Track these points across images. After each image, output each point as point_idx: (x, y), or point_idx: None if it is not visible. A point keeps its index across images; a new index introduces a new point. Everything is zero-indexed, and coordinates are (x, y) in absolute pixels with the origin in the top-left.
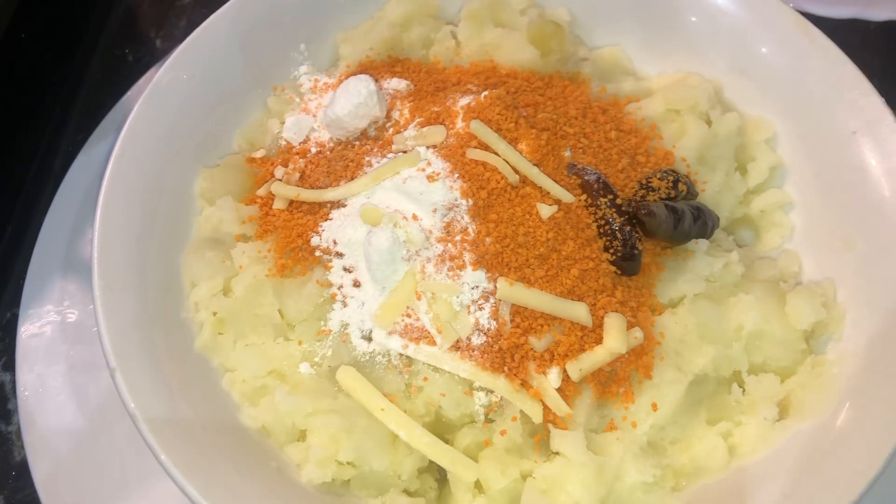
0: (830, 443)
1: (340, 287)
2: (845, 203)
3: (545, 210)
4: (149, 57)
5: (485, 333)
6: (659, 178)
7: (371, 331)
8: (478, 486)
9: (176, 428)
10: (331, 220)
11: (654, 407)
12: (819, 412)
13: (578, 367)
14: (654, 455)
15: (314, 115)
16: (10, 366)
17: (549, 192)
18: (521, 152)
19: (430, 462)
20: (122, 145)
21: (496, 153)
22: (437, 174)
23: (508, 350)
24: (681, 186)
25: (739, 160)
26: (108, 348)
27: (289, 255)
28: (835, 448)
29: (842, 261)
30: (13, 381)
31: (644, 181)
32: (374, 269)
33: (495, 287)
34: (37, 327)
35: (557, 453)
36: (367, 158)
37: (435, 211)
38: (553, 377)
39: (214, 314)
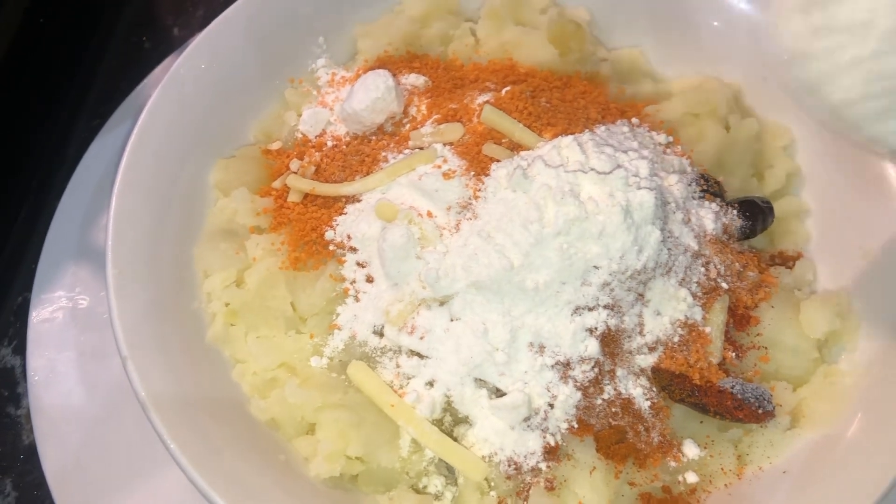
0: (842, 453)
1: (353, 282)
2: (863, 212)
3: None
4: (165, 45)
5: None
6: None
7: (383, 326)
8: (486, 484)
9: (185, 418)
10: (345, 214)
11: (666, 413)
12: (831, 422)
13: None
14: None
15: (331, 109)
16: (20, 350)
17: None
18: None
19: (440, 459)
20: (139, 134)
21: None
22: (453, 171)
23: None
24: (714, 186)
25: (757, 166)
26: (120, 336)
27: (302, 249)
28: (846, 459)
29: (858, 270)
30: (23, 366)
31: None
32: (387, 265)
33: None
34: (48, 312)
35: (567, 455)
36: (384, 154)
37: (449, 209)
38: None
39: (227, 305)
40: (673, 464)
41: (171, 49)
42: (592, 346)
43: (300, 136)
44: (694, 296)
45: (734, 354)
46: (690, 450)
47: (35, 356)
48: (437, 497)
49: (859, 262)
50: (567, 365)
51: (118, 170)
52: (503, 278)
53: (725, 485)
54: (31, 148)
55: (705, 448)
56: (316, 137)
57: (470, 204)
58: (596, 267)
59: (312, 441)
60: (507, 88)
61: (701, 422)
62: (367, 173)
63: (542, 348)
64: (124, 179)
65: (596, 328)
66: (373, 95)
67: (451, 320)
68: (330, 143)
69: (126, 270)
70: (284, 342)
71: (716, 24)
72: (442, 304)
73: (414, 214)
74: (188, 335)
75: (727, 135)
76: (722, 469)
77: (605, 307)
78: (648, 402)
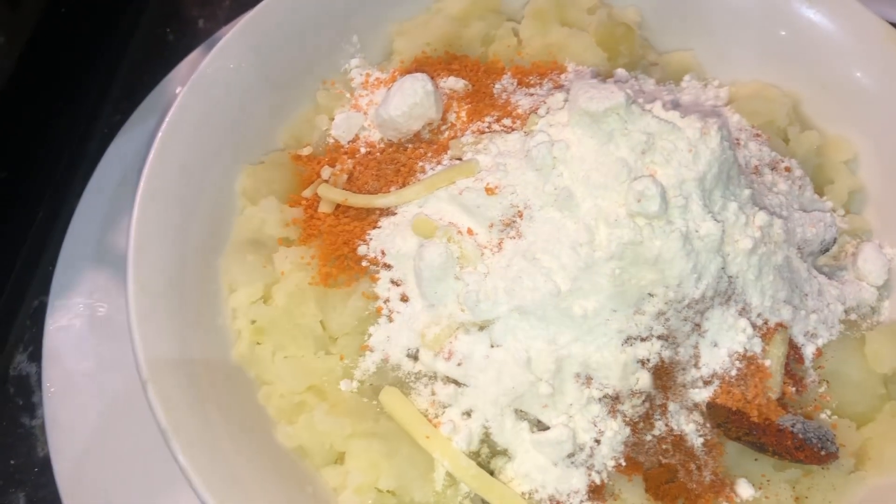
0: None
1: (387, 301)
2: None
3: None
4: (190, 37)
5: None
6: None
7: (417, 350)
8: None
9: (208, 446)
10: (380, 228)
11: (720, 450)
12: None
13: None
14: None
15: (365, 113)
16: (36, 356)
17: None
18: None
19: (476, 494)
20: (163, 139)
21: None
22: (497, 186)
23: None
24: None
25: (816, 182)
26: (142, 359)
27: (333, 264)
28: None
29: None
30: (39, 373)
31: None
32: (423, 285)
33: None
34: (65, 320)
35: (613, 495)
36: (421, 164)
37: (492, 226)
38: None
39: (253, 322)
40: None
41: (196, 42)
42: (644, 379)
43: (332, 141)
44: (754, 326)
45: (794, 389)
46: (745, 490)
47: (51, 366)
48: None
49: None
50: (616, 398)
51: (140, 177)
52: (549, 304)
53: None
54: (52, 144)
55: (760, 489)
56: (348, 143)
57: (514, 222)
58: (651, 294)
59: (342, 472)
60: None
61: (756, 459)
62: (403, 184)
63: (589, 380)
64: (147, 188)
65: (648, 360)
66: (410, 101)
67: (492, 346)
68: (363, 150)
69: (148, 285)
70: (313, 363)
71: (776, 29)
72: (482, 328)
73: (453, 231)
74: (212, 354)
75: (786, 147)
76: None
77: (659, 337)
78: (702, 440)
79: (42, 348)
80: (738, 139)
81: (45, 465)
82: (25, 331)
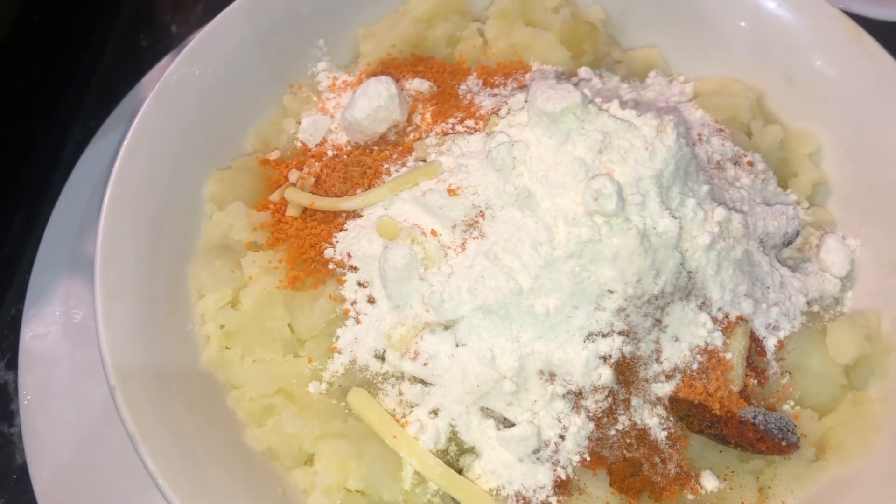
0: (872, 489)
1: (354, 303)
2: (893, 225)
3: None
4: (164, 43)
5: None
6: None
7: (385, 350)
8: None
9: (177, 450)
10: (346, 230)
11: (683, 443)
12: (860, 454)
13: None
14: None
15: (332, 116)
16: (13, 364)
17: None
18: None
19: (444, 492)
20: (129, 146)
21: None
22: (459, 187)
23: None
24: None
25: (781, 175)
26: (109, 365)
27: (301, 267)
28: (877, 495)
29: (888, 288)
30: (16, 382)
31: None
32: (389, 286)
33: None
34: (41, 328)
35: (579, 489)
36: (386, 166)
37: (455, 227)
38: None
39: (221, 327)
40: (691, 496)
41: (169, 47)
42: (606, 375)
43: (299, 144)
44: (714, 320)
45: (756, 381)
46: (709, 482)
47: (27, 375)
48: None
49: (890, 280)
50: (579, 394)
51: (107, 184)
52: (511, 302)
53: None
54: (27, 152)
55: (725, 480)
56: (316, 146)
57: (476, 222)
58: (610, 291)
59: (311, 472)
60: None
61: (720, 451)
62: (369, 186)
63: (552, 376)
64: (114, 194)
65: (610, 355)
66: (374, 104)
67: (457, 346)
68: (331, 153)
69: (116, 291)
70: (282, 366)
71: (738, 23)
72: (447, 328)
73: (417, 233)
74: (181, 359)
75: (749, 142)
76: (743, 502)
77: (620, 333)
78: (665, 433)
79: (18, 357)
80: (700, 135)
81: (24, 473)
82: (3, 339)
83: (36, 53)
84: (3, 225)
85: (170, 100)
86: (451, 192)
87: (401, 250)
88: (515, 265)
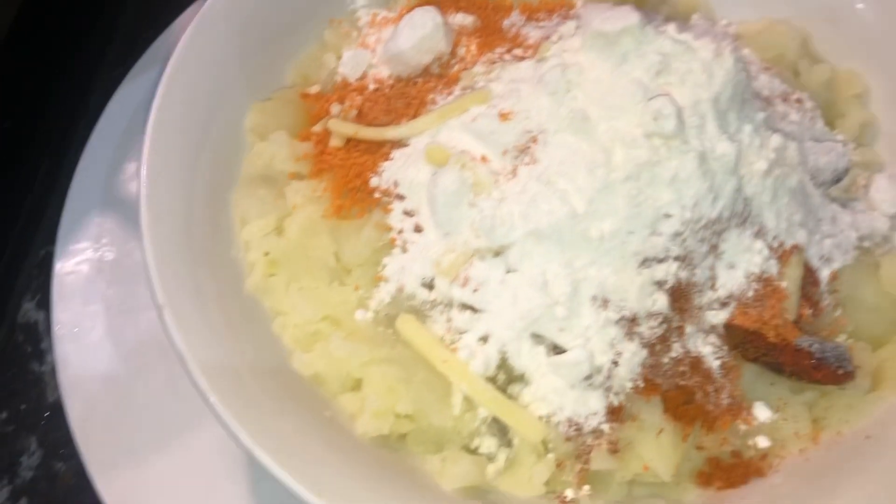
0: None
1: (401, 231)
2: None
3: None
4: None
5: None
6: None
7: (432, 279)
8: (543, 446)
9: (225, 370)
10: (391, 160)
11: (736, 373)
12: None
13: None
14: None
15: (373, 51)
16: (43, 304)
17: None
18: None
19: (493, 419)
20: (172, 72)
21: None
22: (510, 112)
23: None
24: None
25: (827, 116)
26: (156, 283)
27: (346, 196)
28: None
29: None
30: (47, 321)
31: None
32: (438, 212)
33: None
34: (73, 265)
35: (632, 416)
36: (431, 96)
37: (506, 153)
38: None
39: (266, 254)
40: (743, 427)
41: None
42: (661, 301)
43: (340, 78)
44: (770, 248)
45: (810, 312)
46: (762, 413)
47: (60, 309)
48: (490, 459)
49: None
50: (633, 320)
51: (150, 110)
52: (565, 226)
53: (800, 450)
54: (52, 99)
55: (777, 411)
56: (356, 80)
57: (528, 147)
58: (667, 215)
59: (359, 397)
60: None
61: (772, 384)
62: (414, 117)
63: (605, 302)
64: (157, 120)
65: (665, 281)
66: (419, 34)
67: (508, 272)
68: (372, 87)
69: (161, 215)
70: (328, 294)
71: None
72: (497, 254)
73: (467, 159)
74: (226, 285)
75: (796, 82)
76: (796, 434)
77: (676, 259)
78: (718, 362)
79: (51, 294)
80: (748, 72)
81: (56, 410)
82: (32, 279)
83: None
84: (31, 168)
85: (211, 30)
86: (503, 116)
87: (451, 175)
88: (570, 188)
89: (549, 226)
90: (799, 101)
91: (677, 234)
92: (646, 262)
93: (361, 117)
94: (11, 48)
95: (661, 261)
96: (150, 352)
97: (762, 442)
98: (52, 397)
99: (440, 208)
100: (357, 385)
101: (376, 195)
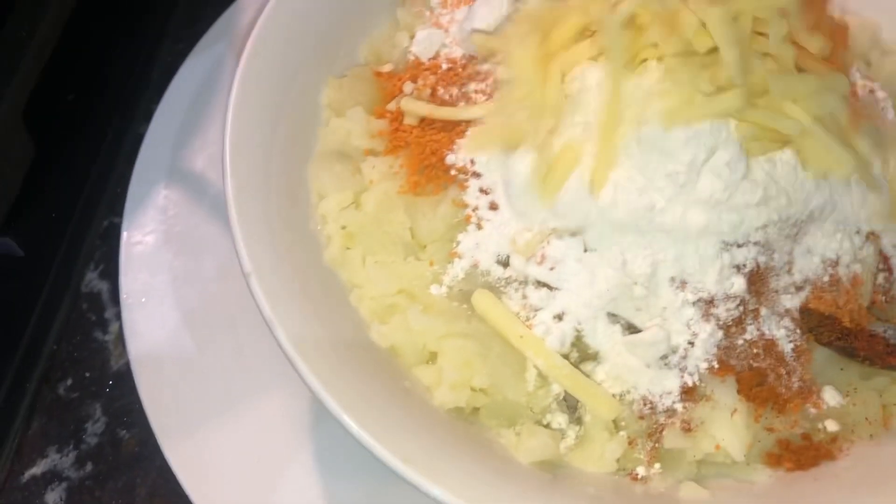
0: None
1: (476, 209)
2: None
3: None
4: None
5: None
6: None
7: (507, 256)
8: (614, 424)
9: (308, 338)
10: (467, 137)
11: (808, 357)
12: None
13: None
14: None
15: (446, 30)
16: (106, 274)
17: None
18: None
19: (564, 396)
20: (255, 42)
21: None
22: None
23: None
24: None
25: None
26: (244, 252)
27: (422, 173)
28: None
29: None
30: (111, 290)
31: None
32: (513, 195)
33: None
34: (140, 235)
35: (706, 396)
36: None
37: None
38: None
39: (343, 228)
40: (813, 411)
41: None
42: (739, 284)
43: (412, 58)
44: (846, 235)
45: (883, 298)
46: (832, 397)
47: (128, 278)
48: (561, 435)
49: None
50: (710, 302)
51: (234, 80)
52: (643, 218)
53: (871, 435)
54: (116, 67)
55: (847, 396)
56: (429, 60)
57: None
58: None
59: (435, 370)
60: None
61: (842, 369)
62: (489, 97)
63: (683, 284)
64: (240, 89)
65: (744, 265)
66: (497, 13)
67: (585, 251)
68: (445, 66)
69: (245, 185)
70: (403, 268)
71: None
72: (574, 234)
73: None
74: (304, 257)
75: (868, 71)
76: (866, 419)
77: (756, 244)
78: (791, 345)
79: (118, 264)
80: None
81: (119, 378)
82: (96, 249)
83: None
84: (95, 139)
85: (290, 5)
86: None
87: (525, 160)
88: (649, 187)
89: (627, 216)
90: (871, 91)
91: (763, 227)
92: (726, 245)
93: (435, 97)
94: (75, 22)
95: (741, 245)
96: (217, 322)
97: (832, 426)
98: (116, 366)
99: (516, 190)
100: (432, 358)
101: (452, 172)
